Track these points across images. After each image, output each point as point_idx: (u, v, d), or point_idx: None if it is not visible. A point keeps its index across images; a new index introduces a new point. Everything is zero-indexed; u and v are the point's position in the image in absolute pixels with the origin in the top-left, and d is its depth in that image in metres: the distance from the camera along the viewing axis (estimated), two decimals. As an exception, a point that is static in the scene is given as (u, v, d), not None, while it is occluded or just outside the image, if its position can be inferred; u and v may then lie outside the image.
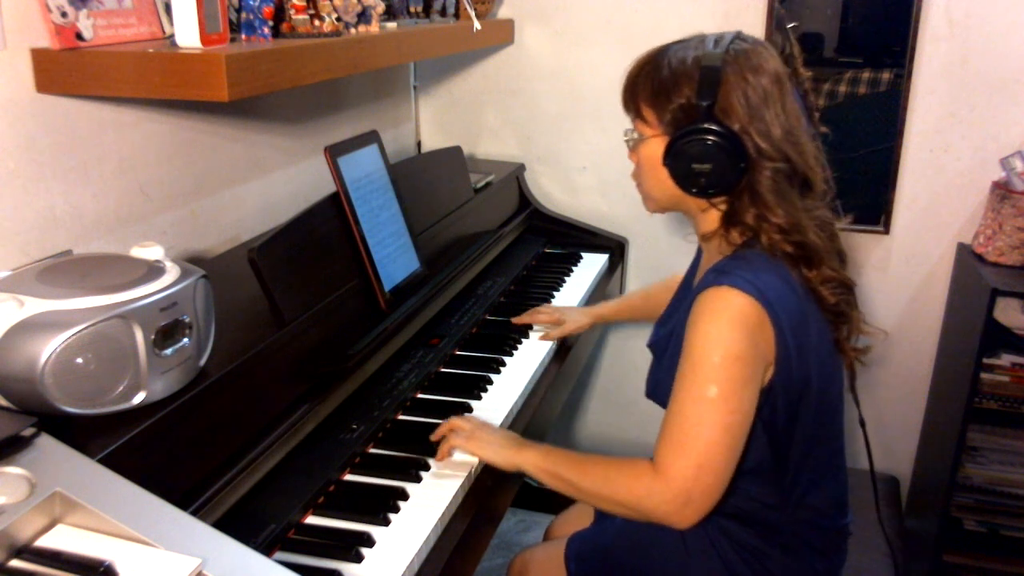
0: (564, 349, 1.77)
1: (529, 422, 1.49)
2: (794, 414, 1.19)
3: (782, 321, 1.13)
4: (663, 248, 2.33)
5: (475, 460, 1.30)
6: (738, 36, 1.19)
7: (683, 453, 1.11)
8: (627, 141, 1.28)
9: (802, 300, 1.17)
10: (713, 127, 1.14)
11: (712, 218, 1.23)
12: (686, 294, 1.32)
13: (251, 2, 1.31)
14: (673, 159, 1.18)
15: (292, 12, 1.40)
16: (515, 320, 1.78)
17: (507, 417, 1.44)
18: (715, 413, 1.11)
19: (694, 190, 1.19)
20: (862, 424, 1.39)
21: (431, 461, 1.29)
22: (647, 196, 1.29)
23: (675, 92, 1.17)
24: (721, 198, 1.20)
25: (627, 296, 1.89)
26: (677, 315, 1.29)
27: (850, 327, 1.24)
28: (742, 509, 1.26)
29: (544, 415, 1.58)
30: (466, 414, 1.41)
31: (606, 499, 1.20)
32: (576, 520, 1.60)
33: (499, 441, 1.30)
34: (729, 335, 1.12)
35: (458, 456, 1.30)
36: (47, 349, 0.91)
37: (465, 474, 1.26)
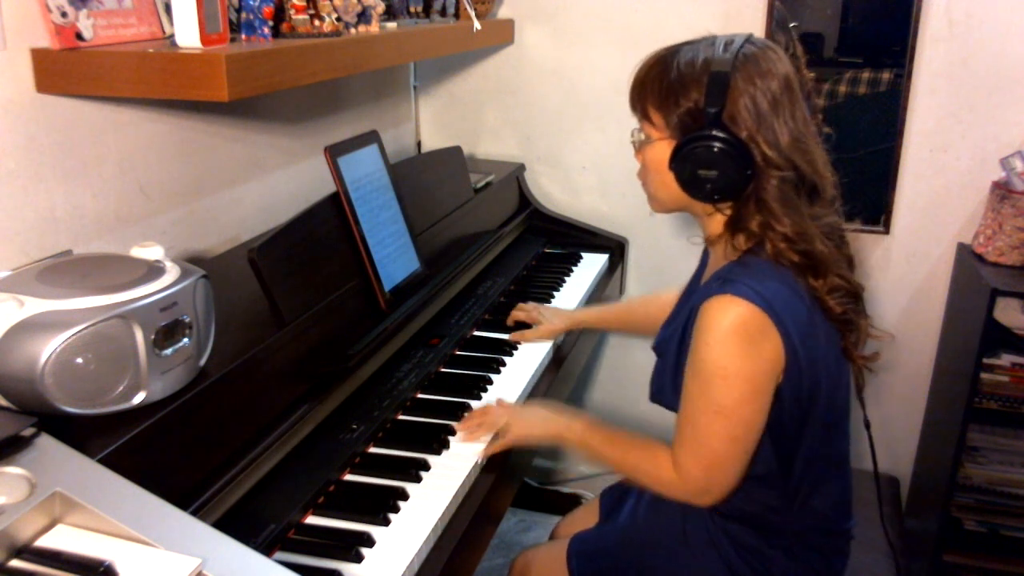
0: (563, 351, 1.77)
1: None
2: (802, 420, 1.19)
3: (790, 329, 1.12)
4: (663, 248, 2.33)
5: (475, 459, 1.30)
6: (748, 40, 1.18)
7: (695, 457, 1.18)
8: (633, 141, 1.27)
9: (810, 307, 1.16)
10: (720, 134, 1.13)
11: (717, 222, 1.23)
12: (691, 295, 1.32)
13: (251, 2, 1.31)
14: (679, 164, 1.17)
15: (292, 12, 1.40)
16: (510, 321, 1.77)
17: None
18: (722, 427, 1.14)
19: (699, 195, 1.18)
20: (867, 426, 1.39)
21: (433, 460, 1.29)
22: (652, 197, 1.29)
23: (683, 96, 1.16)
24: (726, 204, 1.20)
25: (610, 306, 1.88)
26: (681, 316, 1.28)
27: (858, 334, 1.23)
28: (745, 511, 1.26)
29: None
30: (490, 403, 1.44)
31: (635, 481, 1.32)
32: (582, 520, 1.60)
33: (541, 416, 1.38)
34: (731, 347, 1.11)
35: (460, 455, 1.31)
36: (47, 349, 0.91)
37: (465, 474, 1.26)
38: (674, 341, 1.28)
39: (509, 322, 1.76)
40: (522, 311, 1.77)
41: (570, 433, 1.34)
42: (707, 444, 1.16)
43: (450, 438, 1.36)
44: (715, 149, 1.13)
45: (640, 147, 1.25)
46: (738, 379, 1.12)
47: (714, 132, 1.13)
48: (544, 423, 1.36)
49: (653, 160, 1.22)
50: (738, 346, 1.11)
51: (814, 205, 1.20)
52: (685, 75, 1.16)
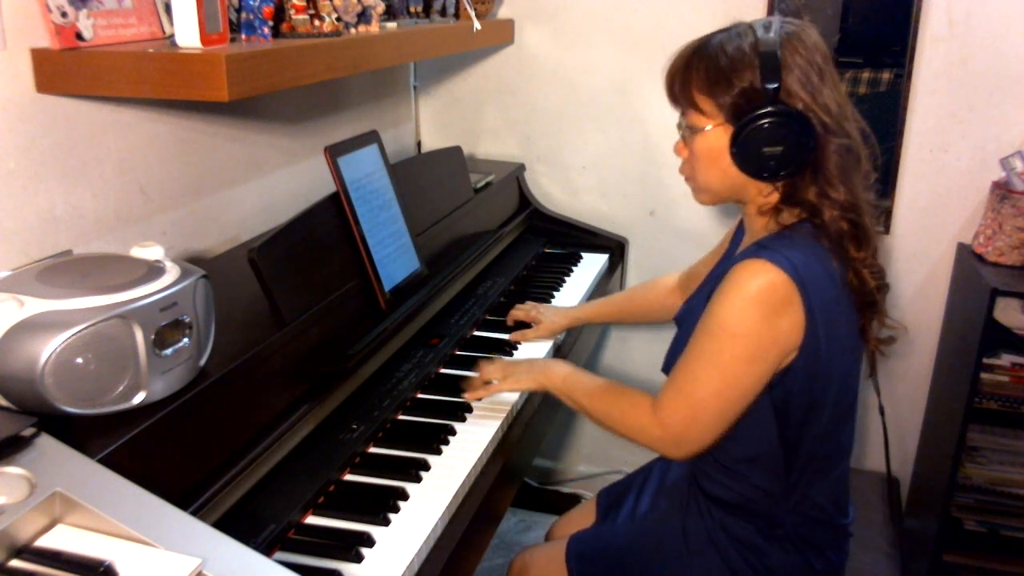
0: (563, 350, 1.77)
1: (529, 423, 1.49)
2: (811, 404, 1.20)
3: (814, 304, 1.13)
4: (663, 248, 2.33)
5: (475, 458, 1.30)
6: (785, 20, 1.20)
7: (678, 402, 1.20)
8: (682, 134, 1.26)
9: (839, 288, 1.18)
10: (783, 109, 1.14)
11: (771, 200, 1.23)
12: (723, 268, 1.32)
13: (251, 2, 1.31)
14: (742, 146, 1.17)
15: (292, 12, 1.40)
16: (509, 321, 1.77)
17: (507, 417, 1.44)
18: (713, 378, 1.16)
19: (764, 174, 1.19)
20: (881, 412, 1.40)
21: (433, 460, 1.29)
22: (703, 188, 1.27)
23: (736, 78, 1.16)
24: (784, 180, 1.20)
25: (609, 298, 1.88)
26: (706, 289, 1.29)
27: (878, 317, 1.25)
28: (745, 497, 1.26)
29: (545, 414, 1.58)
30: (493, 360, 1.50)
31: (610, 427, 1.31)
32: (578, 520, 1.60)
33: (525, 367, 1.43)
34: (749, 310, 1.13)
35: (460, 455, 1.31)
36: (47, 349, 0.91)
37: (465, 474, 1.26)
38: (698, 310, 1.27)
39: (509, 321, 1.76)
40: (521, 310, 1.77)
41: (552, 379, 1.38)
42: (695, 393, 1.18)
43: (450, 437, 1.36)
44: (779, 123, 1.14)
45: (688, 138, 1.25)
46: (746, 339, 1.13)
47: (775, 108, 1.14)
48: (529, 372, 1.41)
49: (706, 149, 1.22)
50: (758, 310, 1.13)
51: (860, 174, 1.22)
52: (734, 58, 1.17)
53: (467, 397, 1.43)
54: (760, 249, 1.16)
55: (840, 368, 1.20)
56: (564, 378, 1.38)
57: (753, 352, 1.14)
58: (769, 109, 1.14)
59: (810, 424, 1.21)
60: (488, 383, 1.44)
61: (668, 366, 1.32)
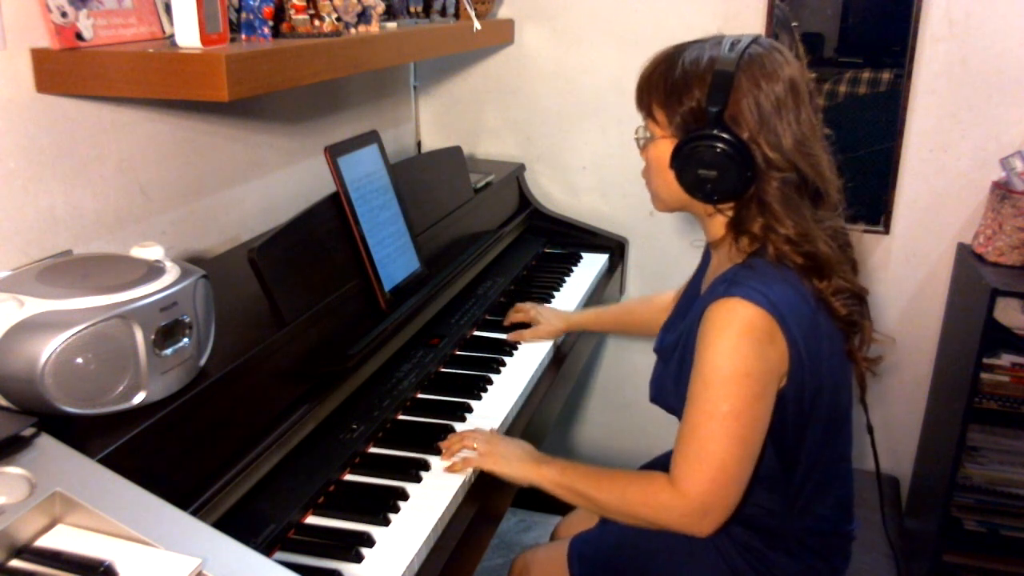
0: (563, 351, 1.77)
1: (528, 423, 1.49)
2: (804, 424, 1.19)
3: (794, 333, 1.12)
4: (663, 248, 2.33)
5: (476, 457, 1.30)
6: (755, 40, 1.17)
7: (699, 468, 1.13)
8: (637, 139, 1.27)
9: (814, 310, 1.16)
10: (721, 134, 1.12)
11: (719, 224, 1.23)
12: (693, 299, 1.32)
13: (251, 2, 1.31)
14: (680, 163, 1.17)
15: (292, 12, 1.40)
16: (506, 322, 1.76)
17: (507, 417, 1.44)
18: (728, 429, 1.11)
19: (699, 195, 1.18)
20: (870, 431, 1.39)
21: (433, 460, 1.29)
22: (655, 196, 1.28)
23: (686, 94, 1.15)
24: (728, 205, 1.19)
25: (607, 308, 1.87)
26: (685, 321, 1.28)
27: (862, 336, 1.22)
28: (747, 515, 1.26)
29: (544, 416, 1.58)
30: (478, 428, 1.37)
31: (625, 514, 1.22)
32: (582, 521, 1.60)
33: (516, 455, 1.30)
34: (739, 351, 1.10)
35: (460, 455, 1.30)
36: (47, 349, 0.91)
37: (465, 475, 1.26)
38: (676, 344, 1.27)
39: (506, 323, 1.76)
40: (520, 312, 1.77)
41: (543, 479, 1.28)
42: (712, 451, 1.11)
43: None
44: (715, 149, 1.12)
45: (644, 145, 1.25)
46: (747, 379, 1.10)
47: (715, 132, 1.12)
48: (519, 464, 1.29)
49: (656, 158, 1.22)
50: (747, 348, 1.10)
51: (818, 208, 1.19)
52: (689, 73, 1.15)
53: (442, 459, 1.28)
54: (730, 286, 1.13)
55: (829, 386, 1.18)
56: (561, 472, 1.28)
57: (758, 389, 1.11)
58: (708, 132, 1.13)
59: (804, 442, 1.20)
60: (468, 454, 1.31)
61: (655, 397, 1.32)
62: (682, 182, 1.19)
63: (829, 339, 1.18)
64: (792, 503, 1.24)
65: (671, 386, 1.26)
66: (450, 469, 1.27)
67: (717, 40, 1.18)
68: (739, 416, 1.11)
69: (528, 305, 1.79)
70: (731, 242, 1.21)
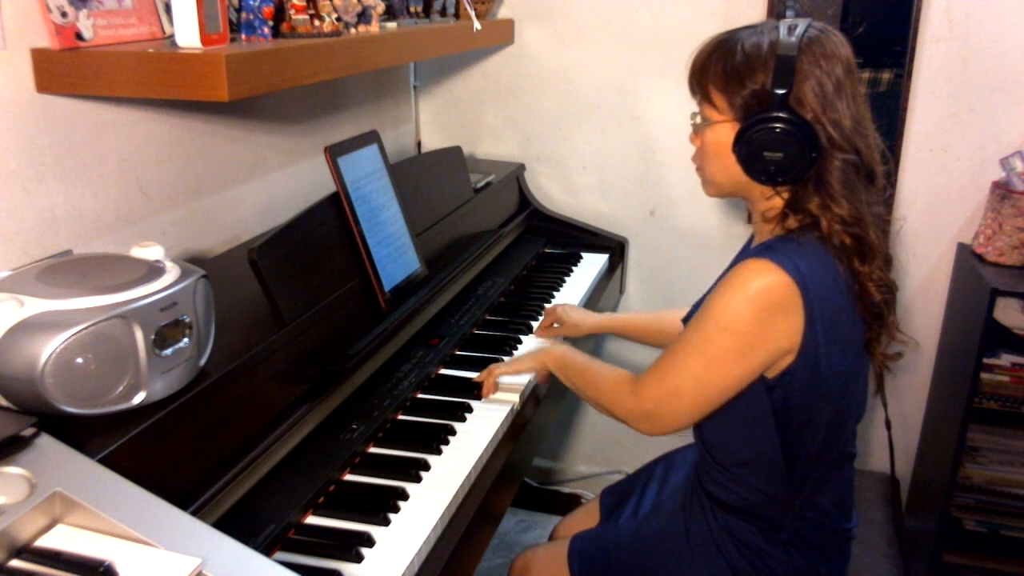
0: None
1: (529, 421, 1.49)
2: (812, 410, 1.19)
3: (815, 307, 1.13)
4: (663, 248, 2.33)
5: (475, 458, 1.30)
6: (811, 24, 1.18)
7: (656, 383, 1.24)
8: (693, 124, 1.27)
9: (843, 294, 1.17)
10: (788, 116, 1.13)
11: (775, 204, 1.23)
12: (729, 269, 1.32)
13: (251, 2, 1.31)
14: (744, 146, 1.17)
15: (292, 12, 1.40)
16: (537, 334, 1.75)
17: (507, 417, 1.44)
18: (695, 369, 1.17)
19: (763, 178, 1.19)
20: (888, 426, 1.39)
21: (433, 460, 1.29)
22: (709, 181, 1.28)
23: (749, 78, 1.16)
24: (785, 187, 1.20)
25: (636, 315, 1.84)
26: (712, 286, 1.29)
27: (886, 331, 1.24)
28: (747, 500, 1.26)
29: (545, 415, 1.58)
30: (494, 365, 1.53)
31: (593, 401, 1.38)
32: (582, 520, 1.60)
33: (524, 356, 1.52)
34: (744, 308, 1.13)
35: (460, 455, 1.31)
36: (47, 349, 0.91)
37: (465, 474, 1.26)
38: (700, 305, 1.28)
39: (538, 334, 1.75)
40: (548, 315, 1.75)
41: (550, 355, 1.46)
42: (674, 376, 1.20)
43: (450, 437, 1.36)
44: (782, 130, 1.13)
45: (699, 130, 1.25)
46: (736, 335, 1.14)
47: (781, 114, 1.13)
48: (530, 354, 1.50)
49: (714, 143, 1.22)
50: (752, 309, 1.13)
51: (869, 191, 1.21)
52: (751, 57, 1.16)
53: (482, 393, 1.48)
54: (766, 250, 1.15)
55: (840, 373, 1.19)
56: (561, 355, 1.45)
57: (741, 348, 1.14)
58: (775, 115, 1.14)
59: (810, 427, 1.20)
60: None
61: None
62: (745, 165, 1.19)
63: (851, 327, 1.19)
64: (794, 493, 1.25)
65: None
66: (485, 393, 1.47)
67: (773, 25, 1.19)
68: (710, 363, 1.16)
69: (553, 306, 1.78)
70: (779, 221, 1.22)
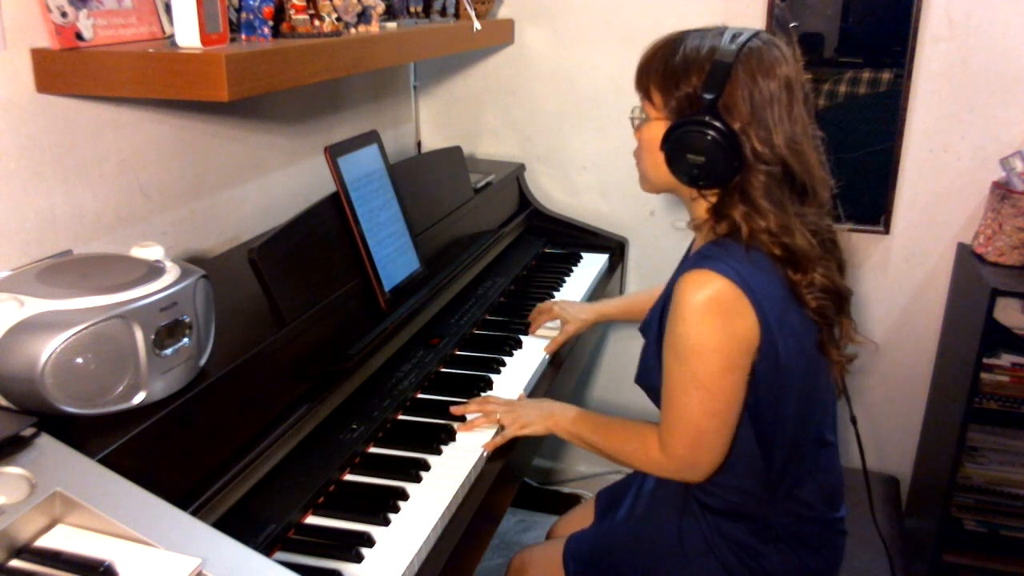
0: (563, 351, 1.77)
1: (529, 422, 1.49)
2: (778, 399, 1.20)
3: (764, 306, 1.14)
4: (663, 248, 2.33)
5: (475, 458, 1.30)
6: (756, 35, 1.19)
7: (679, 434, 1.21)
8: (632, 119, 1.28)
9: (785, 292, 1.17)
10: (713, 122, 1.14)
11: (702, 207, 1.24)
12: (674, 278, 1.33)
13: (251, 2, 1.31)
14: (670, 145, 1.19)
15: (292, 12, 1.40)
16: (531, 333, 1.75)
17: (507, 417, 1.44)
18: (701, 400, 1.17)
19: (685, 179, 1.20)
20: (853, 422, 1.40)
21: (433, 460, 1.29)
22: (643, 176, 1.30)
23: (683, 80, 1.17)
24: (712, 191, 1.21)
25: (629, 295, 1.87)
26: (662, 298, 1.30)
27: (841, 333, 1.24)
28: (732, 503, 1.27)
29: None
30: (489, 397, 1.46)
31: (624, 463, 1.33)
32: (578, 520, 1.60)
33: (536, 414, 1.39)
34: (706, 323, 1.14)
35: (460, 455, 1.31)
36: (47, 349, 0.91)
37: (465, 474, 1.26)
38: (655, 320, 1.29)
39: (533, 333, 1.74)
40: (543, 313, 1.75)
41: (561, 424, 1.38)
42: (689, 420, 1.18)
43: (450, 437, 1.36)
44: (706, 136, 1.14)
45: (638, 125, 1.27)
46: (714, 353, 1.14)
47: (707, 119, 1.14)
48: (540, 415, 1.39)
49: (648, 139, 1.24)
50: (712, 320, 1.13)
51: (805, 205, 1.21)
52: (689, 59, 1.17)
53: (462, 427, 1.38)
54: (702, 259, 1.16)
55: (801, 364, 1.19)
56: (573, 420, 1.38)
57: (726, 363, 1.15)
58: (700, 118, 1.14)
59: (779, 420, 1.21)
60: (500, 430, 1.39)
61: (640, 377, 1.34)
62: (670, 165, 1.20)
63: (802, 321, 1.19)
64: (774, 487, 1.25)
65: (654, 363, 1.27)
66: (489, 447, 1.35)
67: (720, 31, 1.20)
68: (709, 388, 1.16)
69: (551, 303, 1.78)
70: (711, 225, 1.23)
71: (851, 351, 1.27)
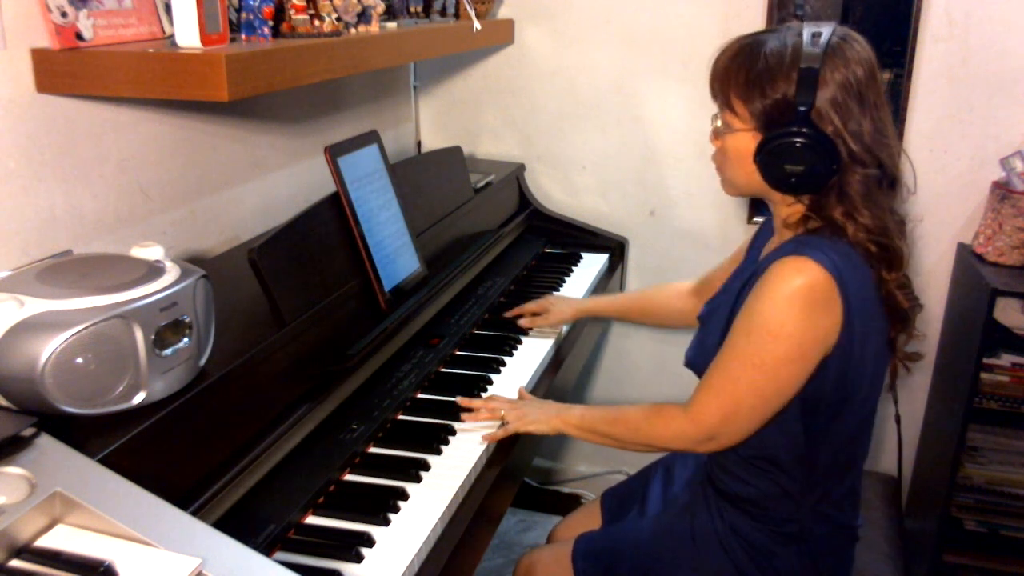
0: (563, 351, 1.77)
1: (529, 422, 1.49)
2: (841, 403, 1.19)
3: (853, 305, 1.13)
4: (663, 248, 2.33)
5: (475, 458, 1.30)
6: (835, 31, 1.17)
7: (716, 401, 1.20)
8: (714, 127, 1.26)
9: (872, 292, 1.17)
10: (808, 131, 1.12)
11: (796, 210, 1.23)
12: (747, 268, 1.32)
13: (251, 2, 1.31)
14: (765, 157, 1.17)
15: (292, 12, 1.40)
16: (507, 314, 1.76)
17: (507, 417, 1.44)
18: (753, 379, 1.15)
19: (783, 188, 1.19)
20: (898, 420, 1.40)
21: (433, 460, 1.29)
22: (729, 183, 1.28)
23: (770, 87, 1.15)
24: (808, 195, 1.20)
25: (619, 295, 1.87)
26: (732, 288, 1.29)
27: (908, 332, 1.24)
28: (763, 494, 1.26)
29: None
30: (494, 395, 1.45)
31: (640, 445, 1.33)
32: (582, 522, 1.60)
33: (542, 414, 1.39)
34: (791, 309, 1.12)
35: (460, 455, 1.31)
36: (47, 349, 0.91)
37: (465, 474, 1.26)
38: (724, 308, 1.27)
39: (508, 315, 1.75)
40: (531, 304, 1.76)
41: (569, 421, 1.37)
42: (734, 392, 1.18)
43: (450, 437, 1.36)
44: (803, 146, 1.13)
45: (720, 134, 1.25)
46: (789, 340, 1.13)
47: (802, 128, 1.13)
48: (545, 416, 1.39)
49: (734, 149, 1.22)
50: (800, 309, 1.12)
51: (890, 197, 1.21)
52: (773, 67, 1.15)
53: (485, 438, 1.36)
54: (801, 246, 1.15)
55: (870, 371, 1.19)
56: (581, 416, 1.37)
57: (795, 353, 1.13)
58: (796, 129, 1.13)
59: (836, 425, 1.20)
60: (503, 423, 1.40)
61: (691, 362, 1.33)
62: (766, 175, 1.19)
63: (879, 327, 1.19)
64: (808, 490, 1.24)
65: (711, 351, 1.25)
66: (489, 438, 1.35)
67: (797, 30, 1.17)
68: (767, 372, 1.14)
69: (539, 301, 1.78)
70: (802, 223, 1.22)
71: (913, 350, 1.27)
